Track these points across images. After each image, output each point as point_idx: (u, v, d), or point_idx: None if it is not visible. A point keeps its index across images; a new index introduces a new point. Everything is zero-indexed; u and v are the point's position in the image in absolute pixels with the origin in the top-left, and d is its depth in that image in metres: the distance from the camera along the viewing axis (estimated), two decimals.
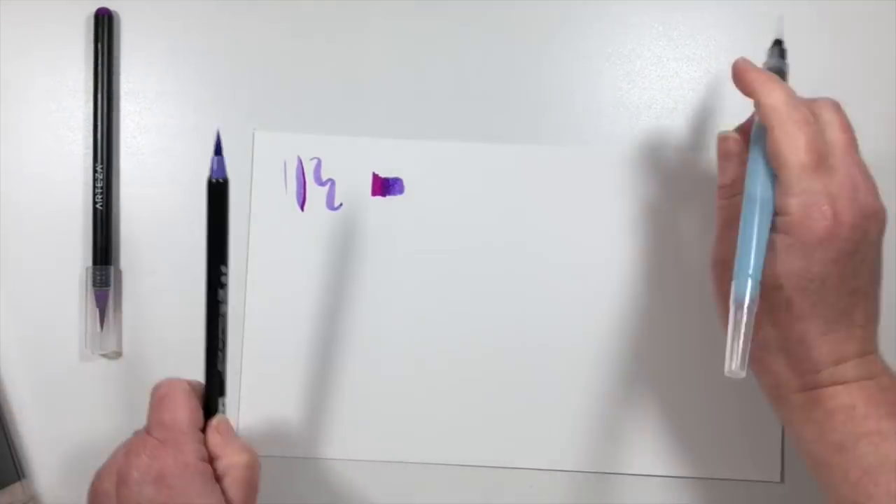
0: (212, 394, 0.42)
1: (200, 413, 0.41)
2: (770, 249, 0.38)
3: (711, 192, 0.52)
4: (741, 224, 0.39)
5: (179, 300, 0.52)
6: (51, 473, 0.52)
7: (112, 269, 0.52)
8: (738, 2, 0.53)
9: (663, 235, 0.52)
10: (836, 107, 0.40)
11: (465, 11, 0.53)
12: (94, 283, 0.51)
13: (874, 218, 0.38)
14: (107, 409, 0.52)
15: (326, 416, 0.52)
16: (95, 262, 0.51)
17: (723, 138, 0.44)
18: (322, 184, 0.52)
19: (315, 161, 0.52)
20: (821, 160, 0.38)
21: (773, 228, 0.38)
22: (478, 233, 0.52)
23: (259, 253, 0.52)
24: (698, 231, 0.52)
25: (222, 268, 0.41)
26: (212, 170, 0.40)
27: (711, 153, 0.52)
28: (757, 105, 0.40)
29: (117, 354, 0.52)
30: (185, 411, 0.39)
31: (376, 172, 0.52)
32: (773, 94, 0.39)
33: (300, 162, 0.52)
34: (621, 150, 0.52)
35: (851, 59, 0.52)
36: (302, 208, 0.52)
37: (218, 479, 0.38)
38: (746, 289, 0.37)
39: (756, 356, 0.38)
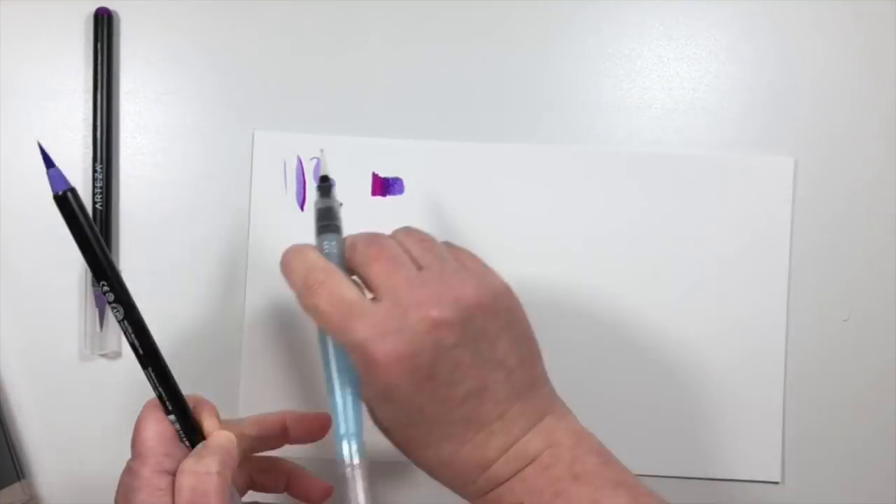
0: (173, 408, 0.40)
1: (168, 425, 0.39)
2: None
3: (711, 190, 0.52)
4: (329, 394, 0.38)
5: (179, 300, 0.52)
6: (51, 473, 0.52)
7: None
8: (738, 2, 0.53)
9: (663, 235, 0.52)
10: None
11: (465, 12, 0.53)
12: (94, 283, 0.51)
13: (443, 326, 0.34)
14: (107, 409, 0.52)
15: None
16: None
17: None
18: None
19: (315, 161, 0.52)
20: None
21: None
22: (478, 233, 0.52)
23: (259, 253, 0.52)
24: (698, 230, 0.52)
25: (103, 284, 0.38)
26: (51, 185, 0.36)
27: (712, 152, 0.52)
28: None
29: (117, 354, 0.52)
30: (145, 430, 0.39)
31: (376, 172, 0.52)
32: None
33: (300, 162, 0.52)
34: (621, 150, 0.52)
35: (851, 59, 0.52)
36: (302, 208, 0.52)
37: None
38: (353, 449, 0.37)
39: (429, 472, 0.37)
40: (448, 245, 0.39)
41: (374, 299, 0.36)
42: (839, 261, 0.52)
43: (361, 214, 0.51)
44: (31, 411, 0.52)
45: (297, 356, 0.52)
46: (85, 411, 0.52)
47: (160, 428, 0.39)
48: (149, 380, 0.40)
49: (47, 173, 0.36)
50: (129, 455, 0.52)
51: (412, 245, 0.38)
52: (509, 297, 0.37)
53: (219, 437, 0.39)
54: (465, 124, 0.53)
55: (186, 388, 0.52)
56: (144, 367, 0.39)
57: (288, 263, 0.38)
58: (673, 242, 0.52)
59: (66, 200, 0.36)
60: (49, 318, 0.52)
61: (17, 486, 0.51)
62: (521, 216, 0.52)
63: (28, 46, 0.53)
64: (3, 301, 0.52)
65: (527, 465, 0.36)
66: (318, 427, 0.44)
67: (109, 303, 0.38)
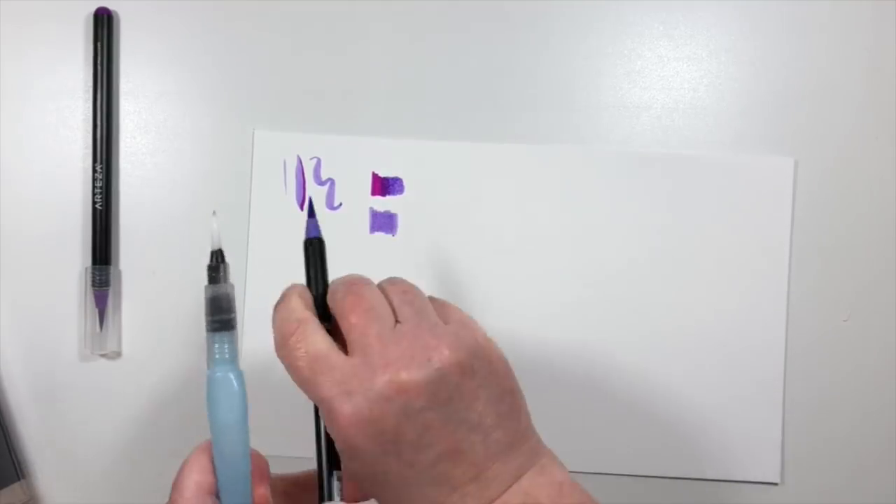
0: None
1: (209, 476, 0.38)
2: None
3: (712, 190, 0.52)
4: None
5: (179, 300, 0.52)
6: (51, 473, 0.52)
7: (112, 269, 0.52)
8: (738, 2, 0.53)
9: (663, 235, 0.52)
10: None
11: (465, 12, 0.53)
12: (94, 284, 0.51)
13: (411, 389, 0.33)
14: (107, 409, 0.52)
15: None
16: (95, 262, 0.51)
17: None
18: (322, 183, 0.52)
19: (315, 161, 0.52)
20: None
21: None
22: (477, 233, 0.52)
23: (259, 253, 0.52)
24: (698, 230, 0.52)
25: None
26: (305, 231, 0.39)
27: (712, 152, 0.52)
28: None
29: (117, 354, 0.52)
30: (192, 476, 0.37)
31: (376, 172, 0.52)
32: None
33: (300, 161, 0.52)
34: (621, 150, 0.52)
35: (852, 59, 0.52)
36: (301, 208, 0.52)
37: None
38: None
39: None
40: (432, 298, 0.38)
41: (347, 352, 0.34)
42: (839, 261, 0.52)
43: (361, 214, 0.52)
44: (31, 411, 0.52)
45: None
46: (85, 411, 0.52)
47: (201, 479, 0.37)
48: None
49: (307, 222, 0.38)
50: (127, 455, 0.52)
51: (393, 295, 0.36)
52: (489, 352, 0.35)
53: None
54: (465, 124, 0.53)
55: (187, 388, 0.53)
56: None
57: (275, 308, 0.37)
58: (673, 242, 0.52)
59: (312, 246, 0.39)
60: (49, 318, 0.52)
61: (17, 486, 0.51)
62: (521, 216, 0.52)
63: (28, 46, 0.53)
64: (3, 301, 0.52)
65: None
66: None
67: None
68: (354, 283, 0.37)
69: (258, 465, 0.39)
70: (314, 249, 0.39)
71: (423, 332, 0.34)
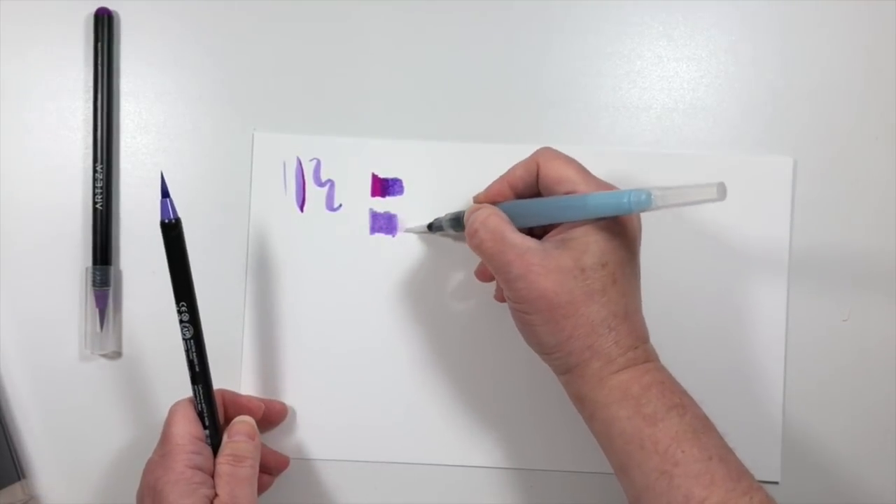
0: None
1: (198, 426, 0.45)
2: (600, 230, 0.41)
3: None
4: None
5: None
6: (51, 473, 0.52)
7: (112, 269, 0.52)
8: (738, 2, 0.53)
9: (663, 235, 0.52)
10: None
11: (465, 12, 0.53)
12: (94, 283, 0.51)
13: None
14: (107, 409, 0.52)
15: (324, 415, 0.52)
16: (95, 262, 0.51)
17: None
18: (321, 185, 0.52)
19: (314, 162, 0.52)
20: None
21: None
22: None
23: (258, 254, 0.52)
24: (698, 230, 0.52)
25: (182, 304, 0.44)
26: (161, 212, 0.43)
27: (711, 152, 0.52)
28: None
29: (117, 354, 0.52)
30: (177, 427, 0.45)
31: (375, 173, 0.52)
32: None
33: (299, 163, 0.52)
34: (621, 150, 0.52)
35: (851, 59, 0.52)
36: (301, 209, 0.52)
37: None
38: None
39: (586, 343, 0.40)
40: None
41: None
42: (839, 261, 0.52)
43: (361, 215, 0.52)
44: (31, 411, 0.52)
45: (297, 355, 0.52)
46: (85, 411, 0.52)
47: (192, 428, 0.45)
48: (194, 394, 0.45)
49: (161, 202, 0.43)
50: (127, 455, 0.52)
51: None
52: None
53: (244, 427, 0.47)
54: (465, 124, 0.53)
55: (187, 388, 0.53)
56: (195, 383, 0.45)
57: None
58: (672, 242, 0.52)
59: (171, 228, 0.43)
60: (49, 318, 0.52)
61: (17, 485, 0.51)
62: None
63: (28, 46, 0.53)
64: (3, 301, 0.52)
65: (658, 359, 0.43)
66: (275, 413, 0.51)
67: (182, 321, 0.44)
68: None
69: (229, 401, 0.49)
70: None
71: None
